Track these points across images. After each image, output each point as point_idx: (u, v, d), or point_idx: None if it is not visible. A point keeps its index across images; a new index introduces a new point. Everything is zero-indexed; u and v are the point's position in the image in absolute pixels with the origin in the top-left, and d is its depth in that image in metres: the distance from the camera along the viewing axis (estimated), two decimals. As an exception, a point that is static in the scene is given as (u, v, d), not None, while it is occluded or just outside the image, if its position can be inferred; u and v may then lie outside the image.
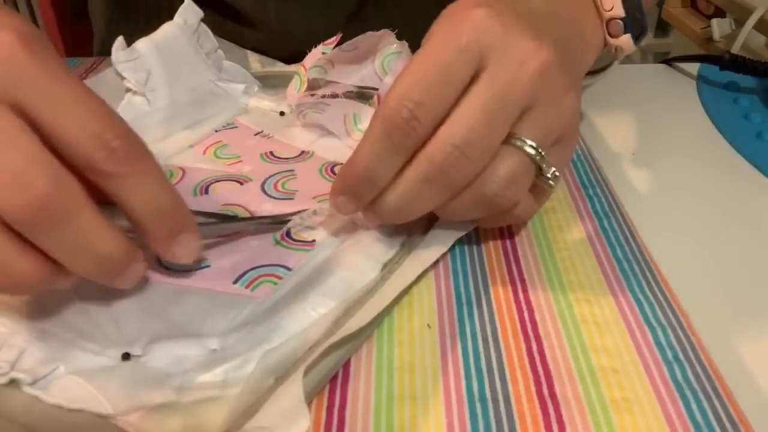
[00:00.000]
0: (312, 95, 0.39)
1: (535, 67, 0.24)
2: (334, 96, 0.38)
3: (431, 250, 0.29)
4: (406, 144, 0.24)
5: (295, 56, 0.43)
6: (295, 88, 0.39)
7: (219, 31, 0.43)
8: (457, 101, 0.24)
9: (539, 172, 0.26)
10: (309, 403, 0.23)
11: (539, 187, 0.27)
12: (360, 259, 0.27)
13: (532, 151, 0.25)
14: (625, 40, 0.30)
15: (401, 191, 0.25)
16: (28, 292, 0.23)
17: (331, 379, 0.24)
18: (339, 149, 0.37)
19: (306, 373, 0.22)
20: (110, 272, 0.23)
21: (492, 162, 0.25)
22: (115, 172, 0.21)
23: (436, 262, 0.30)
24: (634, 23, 0.31)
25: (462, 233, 0.30)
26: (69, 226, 0.21)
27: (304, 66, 0.39)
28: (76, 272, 0.22)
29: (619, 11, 0.29)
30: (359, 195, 0.26)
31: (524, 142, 0.25)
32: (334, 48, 0.38)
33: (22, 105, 0.20)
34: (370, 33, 0.36)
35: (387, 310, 0.26)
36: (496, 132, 0.24)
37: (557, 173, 0.27)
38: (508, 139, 0.25)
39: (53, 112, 0.21)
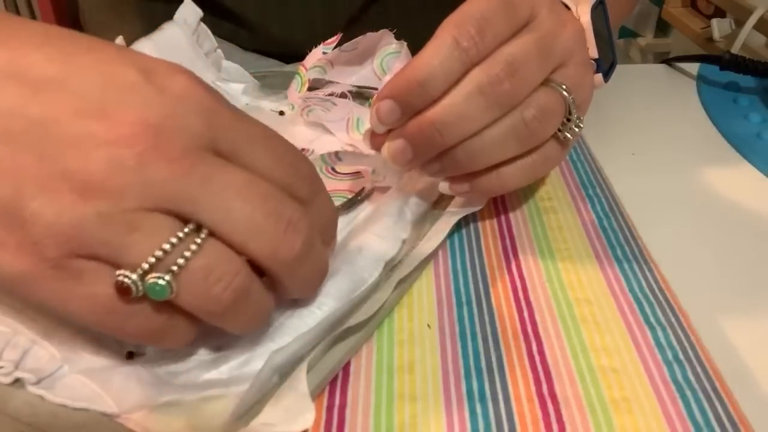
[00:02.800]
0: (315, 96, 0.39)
1: (574, 29, 0.29)
2: (343, 96, 0.38)
3: (432, 241, 0.29)
4: (471, 54, 0.26)
5: (294, 58, 0.43)
6: (296, 89, 0.39)
7: (216, 33, 0.43)
8: (511, 37, 0.27)
9: (567, 117, 0.29)
10: (310, 403, 0.23)
11: (563, 135, 0.29)
12: (362, 259, 0.27)
13: (565, 94, 0.28)
14: (597, 78, 0.32)
15: (450, 102, 0.26)
16: (262, 326, 0.24)
17: (331, 379, 0.24)
18: (340, 147, 0.37)
19: (309, 368, 0.22)
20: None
21: (532, 94, 0.27)
22: (309, 196, 0.22)
23: (437, 262, 0.30)
24: (605, 61, 0.32)
25: (462, 215, 0.31)
26: (312, 255, 0.22)
27: (304, 66, 0.39)
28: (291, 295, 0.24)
29: (593, 53, 0.31)
30: (407, 102, 0.26)
31: (559, 85, 0.28)
32: (334, 48, 0.38)
33: (220, 148, 0.20)
34: (370, 33, 0.36)
35: (389, 304, 0.26)
36: (544, 64, 0.27)
37: (581, 124, 0.29)
38: (546, 82, 0.28)
39: (251, 151, 0.21)
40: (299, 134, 0.39)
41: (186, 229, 0.19)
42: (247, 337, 0.24)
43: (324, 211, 0.24)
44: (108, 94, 0.19)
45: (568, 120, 0.29)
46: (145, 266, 0.19)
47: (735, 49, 0.54)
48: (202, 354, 0.24)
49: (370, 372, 0.24)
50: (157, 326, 0.20)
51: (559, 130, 0.29)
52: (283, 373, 0.22)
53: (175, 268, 0.19)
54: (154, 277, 0.19)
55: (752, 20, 0.53)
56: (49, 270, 0.18)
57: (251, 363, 0.23)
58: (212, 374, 0.23)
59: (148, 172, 0.18)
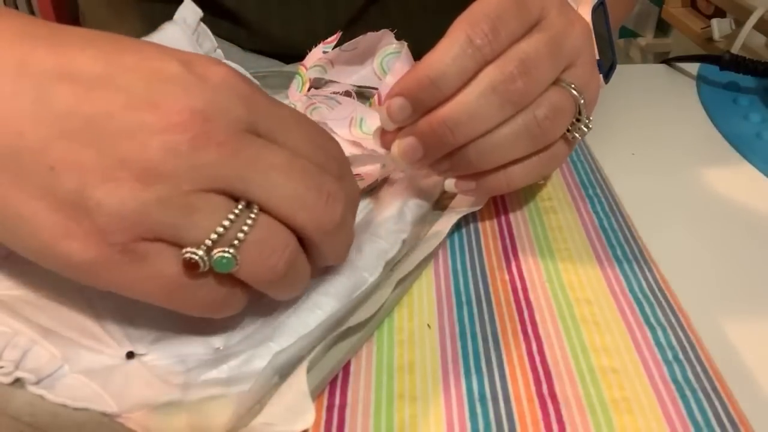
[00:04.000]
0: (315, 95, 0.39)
1: (582, 29, 0.29)
2: (347, 94, 0.38)
3: (432, 241, 0.29)
4: (484, 52, 0.26)
5: (294, 58, 0.43)
6: (297, 89, 0.39)
7: (216, 33, 0.43)
8: (523, 36, 0.27)
9: (576, 117, 0.29)
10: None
11: (572, 135, 0.30)
12: (362, 259, 0.27)
13: (575, 93, 0.28)
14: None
15: (462, 100, 0.26)
16: (302, 291, 0.25)
17: (331, 379, 0.24)
18: (344, 148, 0.37)
19: (309, 368, 0.22)
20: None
21: (543, 93, 0.27)
22: (339, 173, 0.23)
23: (437, 262, 0.30)
24: (605, 62, 0.32)
25: (462, 214, 0.31)
26: (347, 224, 0.24)
27: (304, 66, 0.39)
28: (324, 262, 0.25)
29: (595, 54, 0.31)
30: (418, 99, 0.26)
31: (569, 84, 0.28)
32: (334, 47, 0.38)
33: (259, 130, 0.21)
34: (370, 33, 0.36)
35: (389, 304, 0.26)
36: (555, 64, 0.27)
37: (590, 124, 0.29)
38: (556, 82, 0.28)
39: (286, 133, 0.22)
40: None
41: (240, 207, 0.21)
42: (247, 336, 0.24)
43: (352, 187, 0.25)
44: (154, 87, 0.20)
45: (577, 120, 0.29)
46: (209, 243, 0.20)
47: (735, 49, 0.54)
48: (202, 354, 0.24)
49: (370, 372, 0.24)
50: (220, 297, 0.22)
51: (568, 130, 0.29)
52: (284, 373, 0.22)
53: (236, 242, 0.20)
54: (220, 252, 0.20)
55: (752, 20, 0.53)
56: (116, 255, 0.20)
57: (251, 363, 0.23)
58: (212, 374, 0.23)
59: (200, 156, 0.20)
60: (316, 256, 0.24)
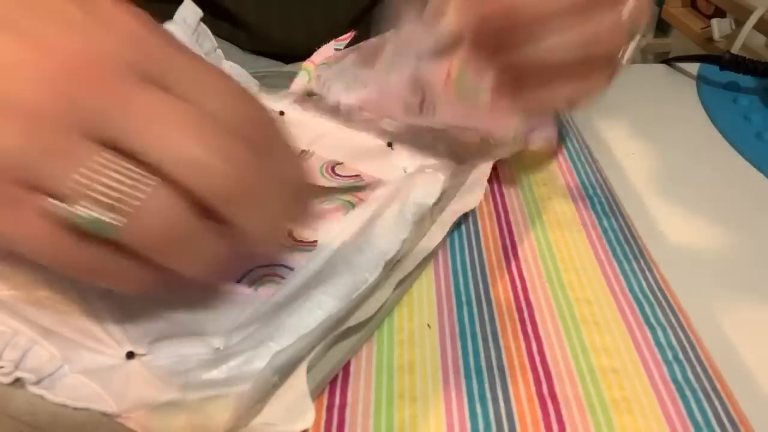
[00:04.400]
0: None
1: None
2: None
3: (432, 241, 0.29)
4: None
5: (294, 59, 0.43)
6: (304, 82, 0.39)
7: (215, 33, 0.43)
8: None
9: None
10: (310, 403, 0.23)
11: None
12: (362, 258, 0.27)
13: (631, 22, 0.28)
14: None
15: None
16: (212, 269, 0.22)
17: (331, 379, 0.24)
18: (339, 149, 0.37)
19: (309, 368, 0.22)
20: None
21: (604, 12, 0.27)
22: (264, 142, 0.21)
23: (437, 262, 0.30)
24: None
25: (462, 213, 0.31)
26: (266, 199, 0.21)
27: (312, 62, 0.39)
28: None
29: None
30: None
31: (627, 11, 0.27)
32: (346, 46, 0.38)
33: (163, 82, 0.19)
34: (372, 39, 0.37)
35: (389, 304, 0.26)
36: None
37: (628, 54, 0.30)
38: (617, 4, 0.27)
39: (194, 88, 0.20)
40: (299, 135, 0.39)
41: (128, 165, 0.18)
42: (247, 336, 0.24)
43: (283, 161, 0.22)
44: (49, 28, 0.19)
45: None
46: (90, 199, 0.18)
47: (735, 49, 0.54)
48: (202, 354, 0.24)
49: (370, 372, 0.24)
50: (110, 264, 0.20)
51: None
52: (283, 373, 0.22)
53: (122, 205, 0.18)
54: (100, 211, 0.18)
55: (752, 20, 0.53)
56: None
57: (251, 363, 0.23)
58: (212, 374, 0.23)
59: (87, 101, 0.18)
60: (233, 231, 0.21)
